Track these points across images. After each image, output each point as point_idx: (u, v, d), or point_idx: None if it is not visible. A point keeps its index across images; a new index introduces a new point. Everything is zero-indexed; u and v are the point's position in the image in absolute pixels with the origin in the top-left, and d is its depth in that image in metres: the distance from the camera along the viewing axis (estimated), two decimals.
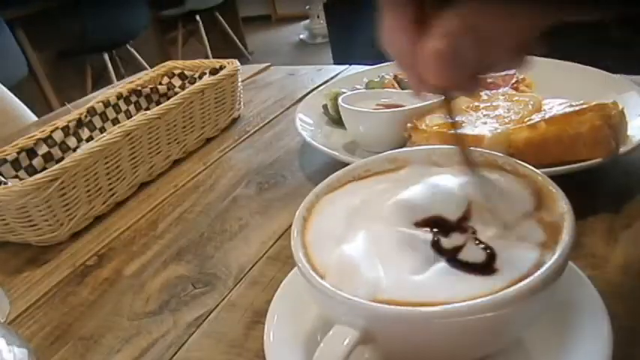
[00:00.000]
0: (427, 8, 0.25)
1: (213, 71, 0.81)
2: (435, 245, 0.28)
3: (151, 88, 0.81)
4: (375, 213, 0.32)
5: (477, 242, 0.28)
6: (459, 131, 0.32)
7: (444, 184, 0.32)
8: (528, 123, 0.48)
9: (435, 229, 0.29)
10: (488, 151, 0.34)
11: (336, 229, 0.31)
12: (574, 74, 0.63)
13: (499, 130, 0.48)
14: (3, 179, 0.61)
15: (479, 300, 0.24)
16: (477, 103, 0.55)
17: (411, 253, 0.28)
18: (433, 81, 0.26)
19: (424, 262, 0.27)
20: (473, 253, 0.27)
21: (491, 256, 0.27)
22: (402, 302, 0.25)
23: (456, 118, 0.32)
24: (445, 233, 0.29)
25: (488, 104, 0.54)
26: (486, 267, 0.26)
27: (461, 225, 0.29)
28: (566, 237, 0.26)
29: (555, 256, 0.25)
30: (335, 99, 0.65)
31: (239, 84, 0.81)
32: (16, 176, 0.63)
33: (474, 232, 0.28)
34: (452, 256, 0.27)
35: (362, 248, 0.29)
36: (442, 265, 0.27)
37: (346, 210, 0.33)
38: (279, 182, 0.62)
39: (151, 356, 0.40)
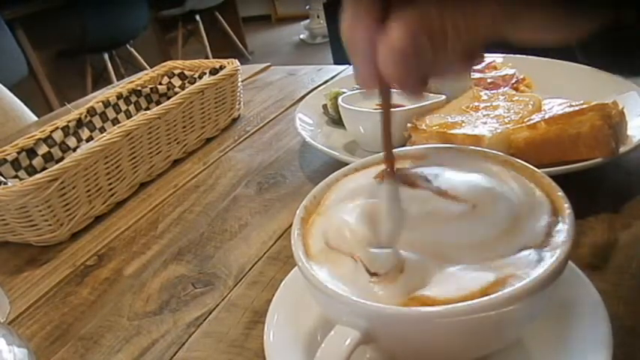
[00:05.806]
0: (391, 7, 0.26)
1: (213, 71, 0.81)
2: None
3: (151, 88, 0.81)
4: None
5: None
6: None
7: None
8: (528, 123, 0.48)
9: None
10: (488, 150, 0.34)
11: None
12: (574, 74, 0.63)
13: (499, 130, 0.48)
14: (3, 179, 0.61)
15: (479, 300, 0.24)
16: (476, 103, 0.55)
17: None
18: (388, 75, 0.26)
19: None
20: None
21: None
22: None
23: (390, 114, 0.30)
24: None
25: (489, 104, 0.54)
26: None
27: None
28: (566, 237, 0.26)
29: (555, 256, 0.25)
30: (335, 99, 0.65)
31: (239, 84, 0.81)
32: (16, 176, 0.63)
33: None
34: None
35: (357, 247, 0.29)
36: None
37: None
38: (279, 182, 0.62)
39: (150, 356, 0.40)
